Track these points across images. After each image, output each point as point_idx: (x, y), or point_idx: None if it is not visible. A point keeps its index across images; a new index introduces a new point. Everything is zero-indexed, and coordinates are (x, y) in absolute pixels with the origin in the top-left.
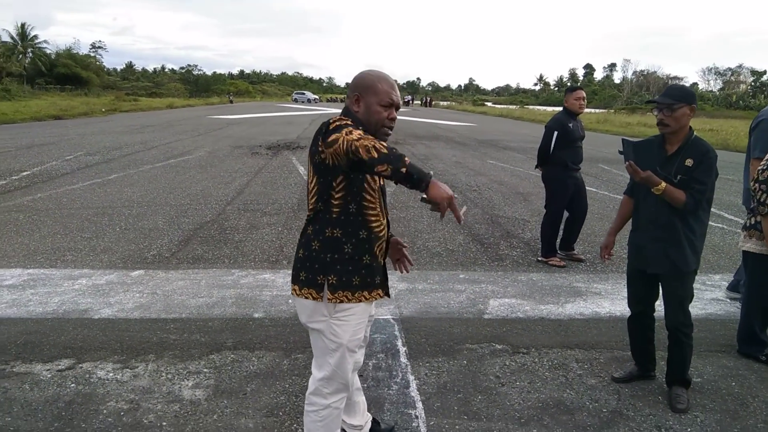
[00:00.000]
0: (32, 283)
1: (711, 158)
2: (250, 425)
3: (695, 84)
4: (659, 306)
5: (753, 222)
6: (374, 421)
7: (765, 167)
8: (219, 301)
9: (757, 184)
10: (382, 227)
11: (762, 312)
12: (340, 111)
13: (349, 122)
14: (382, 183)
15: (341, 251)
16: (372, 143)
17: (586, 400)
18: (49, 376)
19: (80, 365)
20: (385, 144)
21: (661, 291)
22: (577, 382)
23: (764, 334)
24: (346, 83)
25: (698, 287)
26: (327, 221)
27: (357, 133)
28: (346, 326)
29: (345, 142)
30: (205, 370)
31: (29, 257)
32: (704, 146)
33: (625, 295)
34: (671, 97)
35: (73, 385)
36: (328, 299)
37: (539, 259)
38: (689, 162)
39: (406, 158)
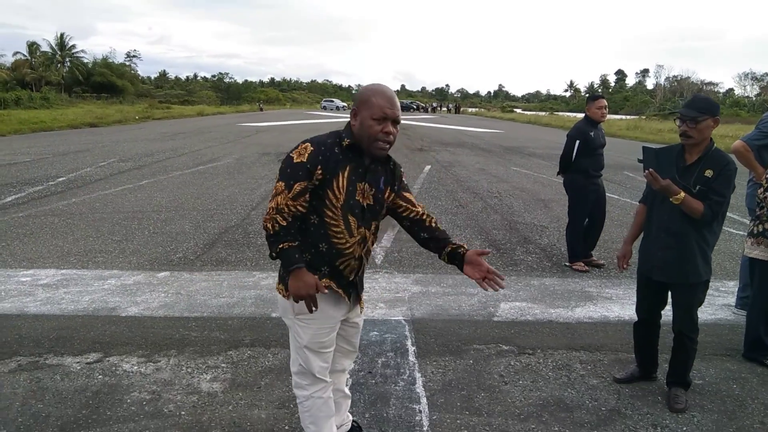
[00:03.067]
0: (65, 282)
1: (731, 170)
2: (262, 416)
3: (731, 89)
4: (665, 312)
5: (761, 229)
6: (356, 426)
7: None
8: (239, 301)
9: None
10: (347, 244)
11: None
12: None
13: (302, 164)
14: (365, 203)
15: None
16: (270, 222)
17: (586, 399)
18: (78, 368)
19: (107, 359)
20: (279, 225)
21: (670, 297)
22: (579, 382)
23: None
24: None
25: (711, 293)
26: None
27: (273, 203)
28: (306, 329)
29: (268, 207)
30: (222, 365)
31: (63, 258)
32: (725, 158)
33: (635, 300)
34: (696, 109)
35: (100, 376)
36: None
37: (565, 264)
38: (709, 173)
39: (283, 245)
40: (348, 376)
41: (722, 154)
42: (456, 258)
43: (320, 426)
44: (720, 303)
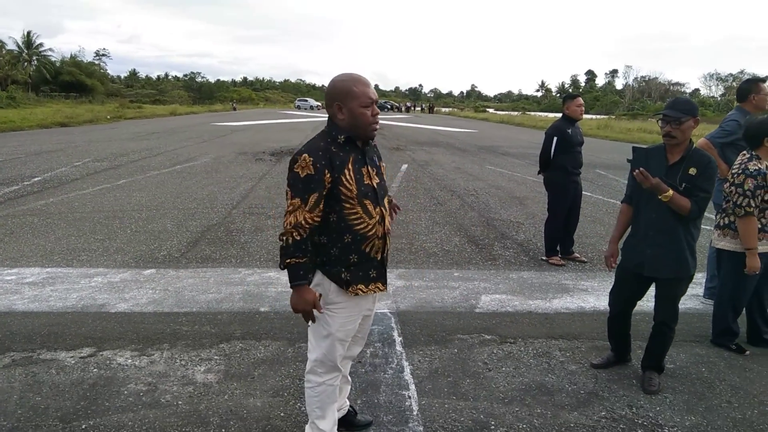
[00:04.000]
0: (51, 280)
1: (713, 168)
2: (258, 404)
3: (697, 90)
4: (643, 302)
5: (727, 221)
6: (352, 411)
7: (738, 171)
8: (227, 296)
9: (733, 188)
10: (369, 227)
11: (734, 304)
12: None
13: (310, 176)
14: (375, 183)
15: (328, 254)
16: (286, 236)
17: (565, 383)
18: (73, 362)
19: (101, 353)
20: (293, 240)
21: (654, 290)
22: (559, 368)
23: (736, 324)
24: None
25: None
26: (314, 229)
27: (291, 219)
28: (336, 317)
29: (285, 222)
30: (215, 357)
31: (46, 257)
32: (706, 156)
33: (612, 293)
34: (679, 110)
35: (95, 369)
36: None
37: (542, 258)
38: (693, 171)
39: (291, 260)
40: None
41: (703, 153)
42: None
43: (326, 411)
44: (689, 293)
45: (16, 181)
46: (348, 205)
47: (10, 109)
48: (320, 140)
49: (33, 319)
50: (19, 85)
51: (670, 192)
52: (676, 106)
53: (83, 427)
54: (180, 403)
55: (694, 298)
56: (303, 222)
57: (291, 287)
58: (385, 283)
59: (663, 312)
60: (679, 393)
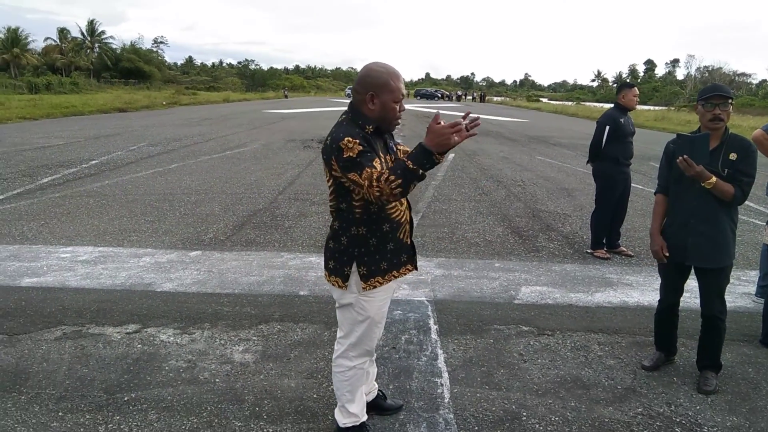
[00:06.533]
0: (103, 259)
1: (754, 151)
2: (292, 384)
3: (764, 80)
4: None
5: None
6: (381, 395)
7: None
8: (268, 279)
9: None
10: (402, 214)
11: None
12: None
13: (362, 151)
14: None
15: (367, 245)
16: (391, 190)
17: (602, 378)
18: (119, 337)
19: (145, 329)
20: (394, 178)
21: (696, 284)
22: (597, 362)
23: None
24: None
25: (732, 282)
26: (352, 221)
27: (376, 188)
28: (372, 302)
29: (372, 196)
30: (254, 338)
31: (99, 237)
32: (745, 141)
33: (656, 286)
34: (727, 92)
35: (139, 345)
36: (363, 288)
37: (587, 251)
38: (733, 156)
39: (412, 166)
40: None
41: (741, 137)
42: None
43: (355, 394)
44: (740, 291)
45: (75, 164)
46: None
47: (73, 94)
48: (352, 128)
49: (84, 295)
50: (82, 71)
51: (714, 179)
52: (723, 89)
53: (125, 399)
54: (217, 380)
55: (745, 296)
56: (378, 178)
57: (433, 153)
58: (415, 264)
59: (711, 305)
60: (722, 393)
